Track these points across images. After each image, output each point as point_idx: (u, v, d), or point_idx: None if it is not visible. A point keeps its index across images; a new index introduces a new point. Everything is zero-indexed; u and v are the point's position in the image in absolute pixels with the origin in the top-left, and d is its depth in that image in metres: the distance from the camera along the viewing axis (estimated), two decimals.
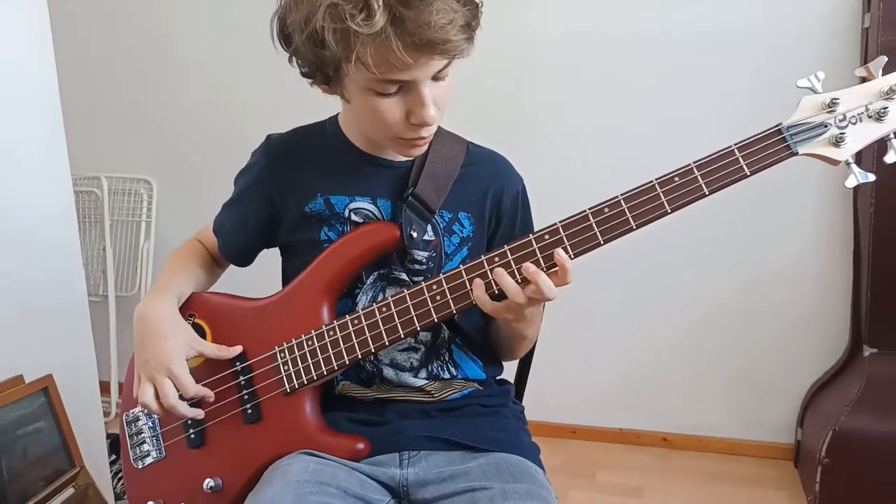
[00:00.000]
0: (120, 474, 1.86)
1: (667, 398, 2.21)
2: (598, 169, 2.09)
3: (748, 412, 2.16)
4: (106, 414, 2.28)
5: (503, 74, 2.13)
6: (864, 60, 1.84)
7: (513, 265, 0.84)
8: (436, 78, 0.82)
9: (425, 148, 0.92)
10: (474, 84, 2.04)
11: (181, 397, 0.92)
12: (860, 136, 0.80)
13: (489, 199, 0.99)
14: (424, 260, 0.95)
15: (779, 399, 2.12)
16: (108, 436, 1.81)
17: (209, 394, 0.94)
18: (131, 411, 1.02)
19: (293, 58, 0.85)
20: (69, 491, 1.45)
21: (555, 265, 0.83)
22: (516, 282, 0.83)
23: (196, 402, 0.94)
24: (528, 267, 0.82)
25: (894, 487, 1.72)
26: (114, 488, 1.82)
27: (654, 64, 2.03)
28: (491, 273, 0.84)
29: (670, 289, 2.14)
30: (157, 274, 2.52)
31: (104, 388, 2.21)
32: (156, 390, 0.91)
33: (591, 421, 2.28)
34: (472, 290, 0.85)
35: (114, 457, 1.84)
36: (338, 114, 1.00)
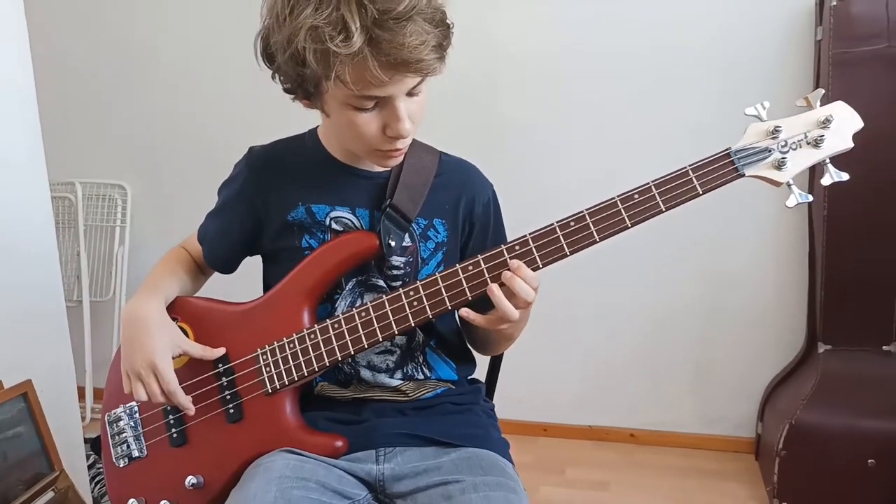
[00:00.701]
0: (98, 478, 1.88)
1: (634, 396, 2.29)
2: (573, 177, 2.15)
3: (711, 408, 2.24)
4: (81, 419, 2.29)
5: (482, 87, 2.19)
6: (818, 72, 1.93)
7: (486, 273, 0.90)
8: (410, 94, 0.87)
9: (401, 159, 0.97)
10: (455, 96, 2.11)
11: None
12: (799, 161, 0.88)
13: (462, 206, 1.04)
14: (402, 265, 1.00)
15: (740, 395, 2.20)
16: (86, 440, 1.83)
17: (187, 403, 0.97)
18: (113, 411, 1.05)
19: (276, 75, 0.89)
20: (49, 494, 1.47)
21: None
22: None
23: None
24: (505, 273, 0.88)
25: (846, 476, 1.81)
26: (91, 492, 1.83)
27: (624, 79, 2.10)
28: (489, 292, 0.89)
29: (636, 292, 2.22)
30: (131, 279, 2.53)
31: (79, 393, 2.22)
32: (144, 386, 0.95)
33: (561, 419, 2.35)
34: (461, 315, 0.90)
35: (92, 460, 1.86)
36: (317, 127, 1.04)
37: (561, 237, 0.89)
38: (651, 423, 2.29)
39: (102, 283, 2.55)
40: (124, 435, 1.03)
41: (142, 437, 1.03)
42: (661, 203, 0.88)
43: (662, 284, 2.20)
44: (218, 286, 1.17)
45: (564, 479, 2.12)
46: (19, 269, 1.56)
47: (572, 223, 0.89)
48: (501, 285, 0.88)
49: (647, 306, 2.22)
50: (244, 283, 1.14)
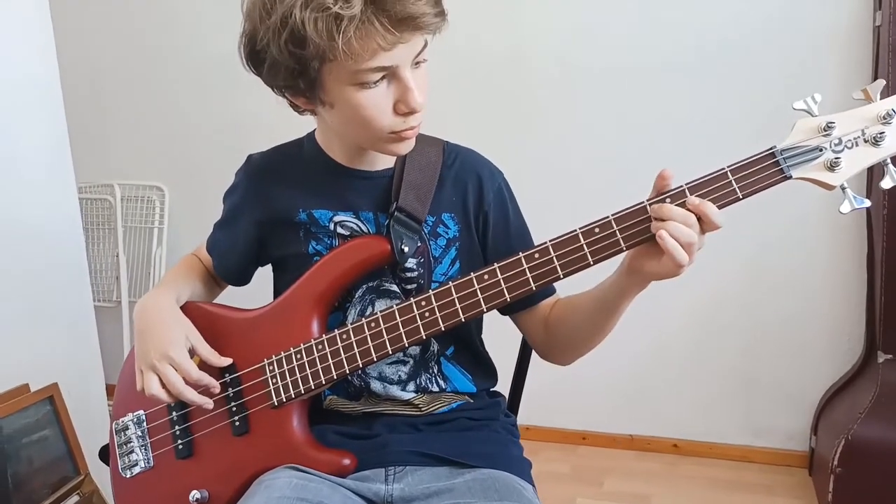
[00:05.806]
0: None
1: (678, 404, 2.19)
2: (602, 176, 2.08)
3: (760, 419, 2.13)
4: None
5: (510, 71, 2.14)
6: (876, 58, 1.80)
7: (502, 284, 0.84)
8: (415, 64, 0.84)
9: (413, 143, 0.91)
10: (480, 83, 2.05)
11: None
12: (856, 161, 0.77)
13: (471, 197, 0.98)
14: (415, 267, 0.95)
15: (792, 405, 2.08)
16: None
17: (213, 382, 0.92)
18: (121, 420, 1.02)
19: (268, 74, 0.85)
20: (74, 498, 1.47)
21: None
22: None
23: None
24: (693, 200, 0.78)
25: None
26: None
27: (670, 69, 2.01)
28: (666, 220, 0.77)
29: (681, 294, 2.11)
30: None
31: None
32: (160, 380, 0.91)
33: (601, 427, 2.26)
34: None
35: None
36: (314, 130, 1.00)
37: (584, 245, 0.82)
38: (696, 434, 2.18)
39: (141, 284, 2.58)
40: (131, 444, 1.01)
41: (148, 447, 1.00)
42: None
43: (709, 287, 2.09)
44: (230, 290, 1.13)
45: (602, 491, 2.03)
46: (47, 272, 1.56)
47: (597, 230, 0.82)
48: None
49: (692, 308, 2.11)
50: (258, 288, 1.10)
